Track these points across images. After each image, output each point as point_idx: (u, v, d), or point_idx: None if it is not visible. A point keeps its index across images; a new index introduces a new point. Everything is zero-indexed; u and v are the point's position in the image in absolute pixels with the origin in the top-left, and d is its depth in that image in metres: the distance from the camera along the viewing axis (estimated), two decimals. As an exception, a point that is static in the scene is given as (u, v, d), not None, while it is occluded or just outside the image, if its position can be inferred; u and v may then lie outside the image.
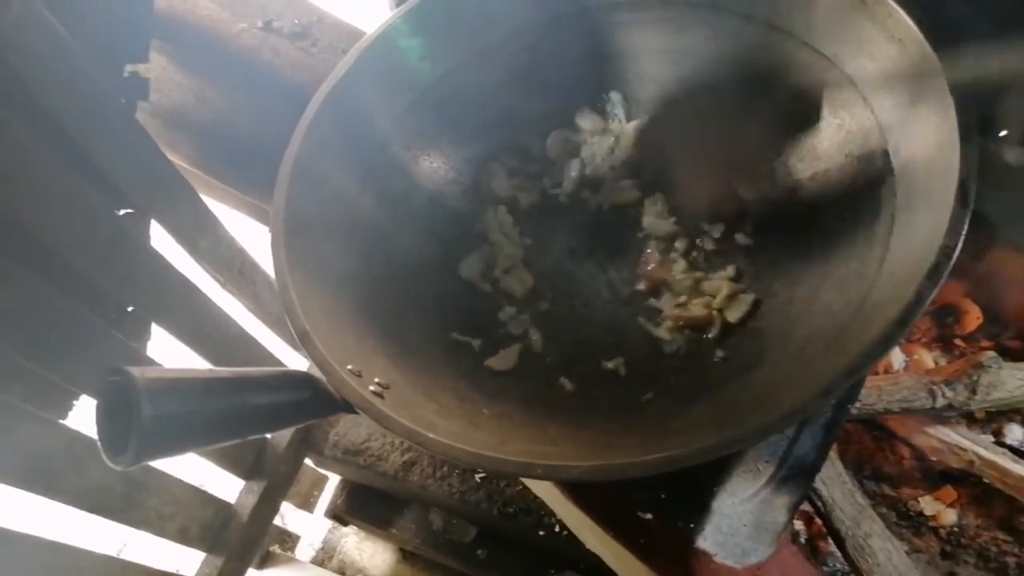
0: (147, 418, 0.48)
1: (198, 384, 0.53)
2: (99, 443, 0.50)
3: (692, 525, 0.69)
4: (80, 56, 0.74)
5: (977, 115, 0.54)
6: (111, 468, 0.90)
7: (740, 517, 0.70)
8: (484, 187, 0.87)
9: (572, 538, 1.01)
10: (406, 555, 1.40)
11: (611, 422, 0.67)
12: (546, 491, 0.86)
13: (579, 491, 0.74)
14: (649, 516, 0.70)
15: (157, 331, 0.99)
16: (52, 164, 0.75)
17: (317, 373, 0.60)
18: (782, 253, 0.73)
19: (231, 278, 1.08)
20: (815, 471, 0.73)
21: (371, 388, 0.60)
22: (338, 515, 1.32)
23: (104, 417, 0.51)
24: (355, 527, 1.40)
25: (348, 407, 0.59)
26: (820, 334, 0.61)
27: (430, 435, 0.56)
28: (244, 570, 1.22)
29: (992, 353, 1.00)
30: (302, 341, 0.62)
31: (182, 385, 0.52)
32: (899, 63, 0.62)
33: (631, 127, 0.85)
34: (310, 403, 0.59)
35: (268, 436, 1.25)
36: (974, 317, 1.15)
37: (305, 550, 1.53)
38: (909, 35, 0.60)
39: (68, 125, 0.76)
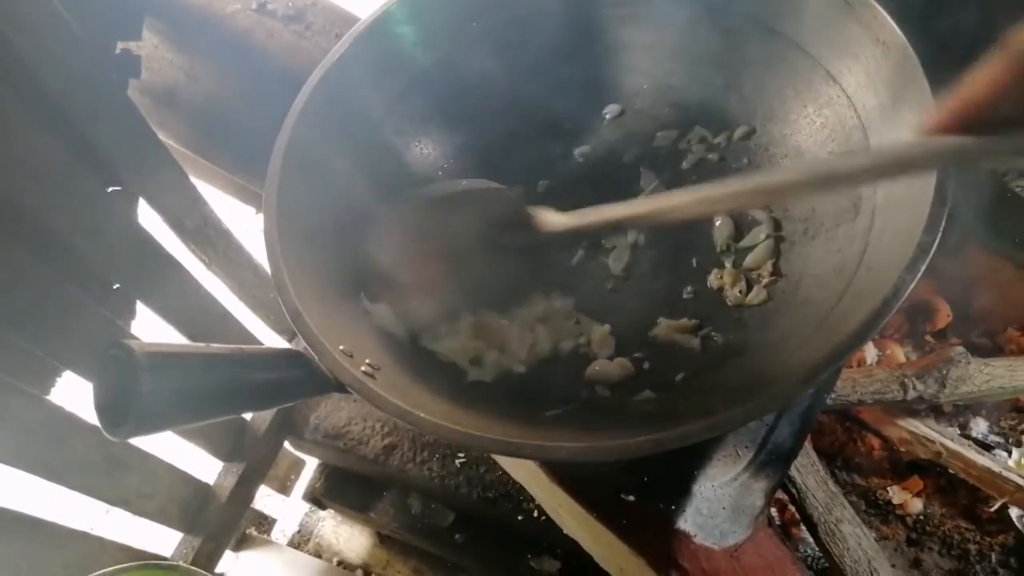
0: (146, 391, 0.49)
1: (196, 359, 0.54)
2: (97, 415, 0.51)
3: (673, 507, 0.71)
4: (75, 32, 0.74)
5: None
6: (92, 445, 0.91)
7: (719, 500, 0.72)
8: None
9: (550, 523, 1.02)
10: (383, 539, 1.40)
11: (599, 406, 0.68)
12: (528, 475, 0.88)
13: (564, 474, 0.75)
14: (632, 498, 0.72)
15: (141, 309, 0.99)
16: (44, 139, 0.75)
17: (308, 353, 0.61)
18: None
19: (216, 258, 1.08)
20: (792, 457, 0.76)
21: (362, 369, 0.61)
22: (316, 498, 1.32)
23: (102, 389, 0.51)
24: (332, 511, 1.41)
25: (340, 387, 0.60)
26: (801, 325, 0.63)
27: (422, 415, 0.57)
28: (221, 551, 1.22)
29: (961, 349, 1.03)
30: (294, 321, 0.62)
31: (180, 360, 0.53)
32: (882, 64, 0.64)
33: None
34: (303, 382, 0.60)
35: (248, 418, 1.25)
36: (944, 315, 1.19)
37: (282, 533, 1.53)
38: (893, 38, 0.62)
39: (61, 101, 0.75)
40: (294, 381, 0.60)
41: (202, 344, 0.56)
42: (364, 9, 0.89)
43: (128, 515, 1.04)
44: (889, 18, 0.62)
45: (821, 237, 0.69)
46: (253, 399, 0.59)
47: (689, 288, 0.75)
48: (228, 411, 0.58)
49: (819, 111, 0.73)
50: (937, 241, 0.52)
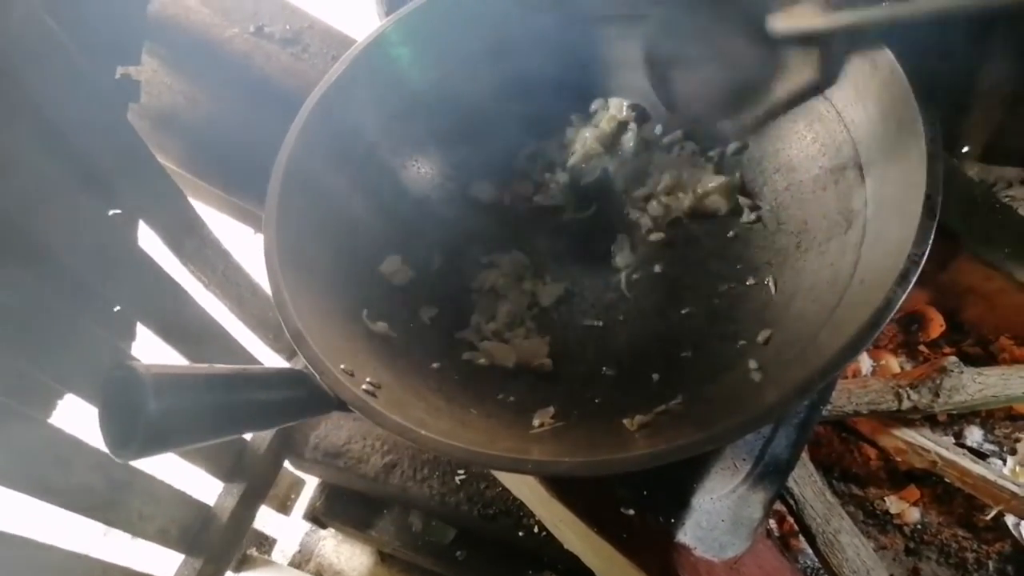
0: (152, 412, 0.49)
1: (200, 380, 0.54)
2: (103, 436, 0.51)
3: (673, 520, 0.71)
4: (75, 58, 0.75)
5: (942, 132, 0.58)
6: (94, 467, 0.91)
7: (718, 513, 0.73)
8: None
9: (551, 539, 1.02)
10: (384, 557, 1.40)
11: (596, 422, 0.69)
12: (529, 491, 0.88)
13: (564, 489, 0.76)
14: (632, 512, 0.72)
15: (141, 331, 0.99)
16: (46, 164, 0.76)
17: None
18: (760, 261, 0.75)
19: (215, 280, 1.08)
20: (789, 469, 0.76)
21: (363, 387, 0.62)
22: (317, 517, 1.32)
23: (108, 410, 0.52)
24: (333, 529, 1.41)
25: (342, 405, 0.60)
26: (795, 337, 0.64)
27: (423, 432, 0.57)
28: (222, 573, 1.22)
29: (954, 358, 1.04)
30: (296, 341, 0.63)
31: (185, 380, 0.53)
32: (870, 80, 0.65)
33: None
34: (306, 400, 0.61)
35: (247, 438, 1.26)
36: (937, 324, 1.20)
37: (282, 553, 1.53)
38: (880, 55, 0.63)
39: (62, 126, 0.76)
40: (297, 400, 0.60)
41: (205, 365, 0.56)
42: (360, 31, 0.90)
43: (126, 537, 1.04)
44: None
45: (814, 251, 0.70)
46: (257, 419, 0.60)
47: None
48: (232, 431, 0.58)
49: (810, 126, 0.74)
50: (927, 253, 0.53)
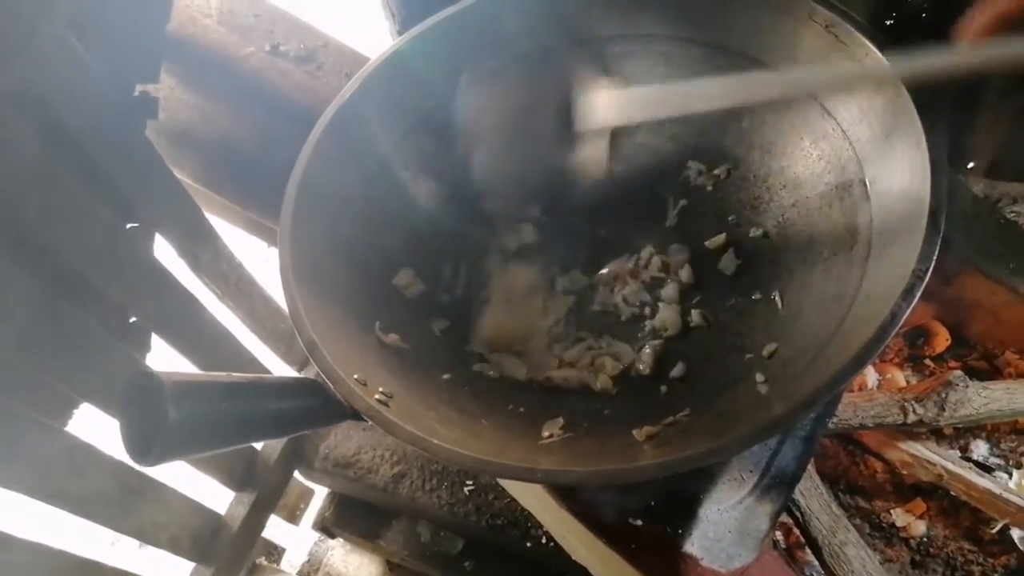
0: (172, 419, 0.50)
1: (218, 388, 0.56)
2: (123, 443, 0.52)
3: (680, 531, 0.72)
4: (97, 76, 0.77)
5: (947, 148, 0.59)
6: (109, 476, 0.92)
7: (725, 524, 0.74)
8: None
9: (558, 549, 1.03)
10: (392, 567, 1.41)
11: (604, 433, 0.70)
12: (537, 501, 0.89)
13: (573, 499, 0.76)
14: (639, 523, 0.73)
15: (156, 342, 1.01)
16: (66, 178, 0.78)
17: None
18: (767, 276, 0.76)
19: (228, 291, 1.10)
20: (796, 481, 0.77)
21: (376, 397, 0.63)
22: (326, 527, 1.33)
23: (128, 418, 0.53)
24: (342, 539, 1.41)
25: (355, 415, 0.62)
26: (802, 351, 0.65)
27: (435, 441, 0.58)
28: (232, 581, 1.23)
29: (960, 372, 1.05)
30: (310, 352, 0.64)
31: (204, 388, 0.54)
32: (875, 99, 0.66)
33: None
34: (320, 410, 0.62)
35: (258, 448, 1.27)
36: (943, 339, 1.20)
37: (291, 562, 1.54)
38: (885, 74, 0.64)
39: (83, 141, 0.78)
40: (311, 409, 0.61)
41: (223, 373, 0.57)
42: (373, 50, 0.92)
43: (133, 547, 1.05)
44: (881, 55, 0.65)
45: (820, 265, 0.71)
46: (272, 426, 0.61)
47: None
48: (249, 438, 0.59)
49: (815, 144, 0.75)
50: (931, 269, 0.54)
